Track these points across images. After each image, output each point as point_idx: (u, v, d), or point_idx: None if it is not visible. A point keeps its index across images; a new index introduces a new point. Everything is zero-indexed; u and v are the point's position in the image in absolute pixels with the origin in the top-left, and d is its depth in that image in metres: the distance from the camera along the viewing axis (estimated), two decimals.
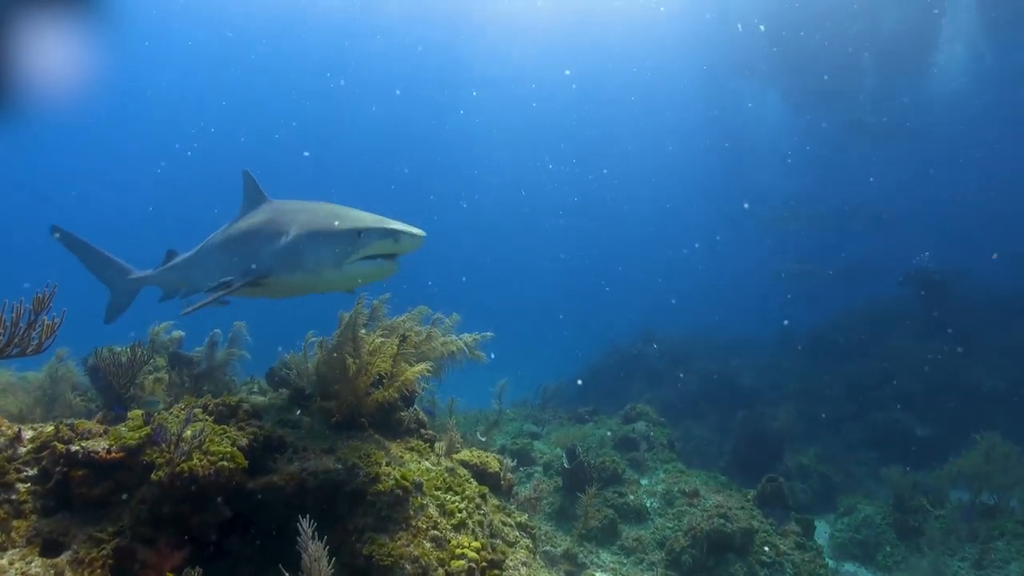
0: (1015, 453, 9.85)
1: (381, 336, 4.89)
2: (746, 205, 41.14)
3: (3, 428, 3.59)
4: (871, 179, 40.00)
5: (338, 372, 4.65)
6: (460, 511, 4.21)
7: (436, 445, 5.31)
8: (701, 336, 25.60)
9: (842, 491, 12.19)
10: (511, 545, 4.81)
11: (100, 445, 3.44)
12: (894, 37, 25.99)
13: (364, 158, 57.46)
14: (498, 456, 5.92)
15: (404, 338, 4.65)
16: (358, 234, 4.70)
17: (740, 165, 44.24)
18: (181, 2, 36.20)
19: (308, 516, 3.12)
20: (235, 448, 3.62)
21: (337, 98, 48.74)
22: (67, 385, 6.54)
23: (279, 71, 45.23)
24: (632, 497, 8.98)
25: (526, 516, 5.58)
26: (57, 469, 3.37)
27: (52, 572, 2.97)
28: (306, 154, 50.90)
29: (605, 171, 56.74)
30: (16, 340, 3.21)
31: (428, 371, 4.73)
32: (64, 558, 3.08)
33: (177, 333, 8.22)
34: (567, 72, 40.33)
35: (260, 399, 5.62)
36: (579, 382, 14.27)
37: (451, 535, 3.99)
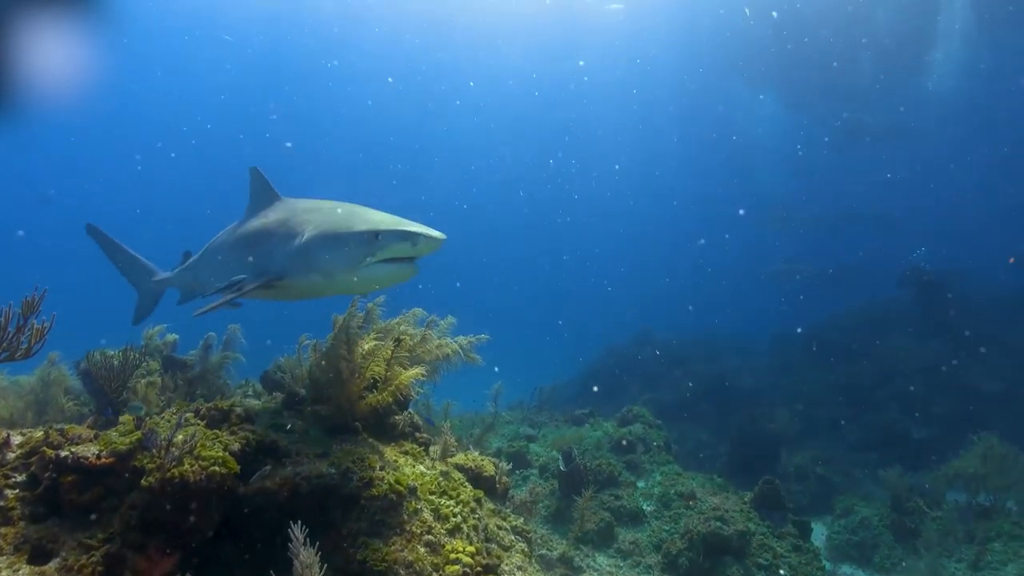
0: (1012, 454, 9.87)
1: (375, 339, 4.84)
2: (741, 211, 41.15)
3: None
4: (868, 179, 40.05)
5: (331, 376, 4.61)
6: (455, 515, 4.18)
7: (431, 449, 5.28)
8: (698, 338, 25.59)
9: (839, 492, 12.19)
10: (506, 549, 4.78)
11: (90, 450, 3.41)
12: (890, 35, 25.98)
13: (358, 155, 57.35)
14: (493, 459, 5.89)
15: (398, 341, 4.61)
16: (375, 236, 4.54)
17: (737, 166, 44.26)
18: (177, 4, 36.13)
19: (300, 522, 3.09)
20: (227, 453, 3.59)
21: (333, 95, 48.69)
22: (59, 389, 6.50)
23: (278, 70, 45.18)
24: (628, 500, 8.97)
25: (522, 520, 5.55)
26: (46, 475, 3.34)
27: None
28: (288, 144, 50.60)
29: (596, 174, 56.76)
30: (4, 345, 3.18)
31: (422, 375, 4.69)
32: (53, 565, 3.04)
33: (171, 336, 8.19)
34: (580, 62, 39.91)
35: (254, 403, 5.59)
36: (595, 388, 14.10)
37: (446, 540, 3.96)
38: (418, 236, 4.56)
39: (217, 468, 3.40)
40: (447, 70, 44.55)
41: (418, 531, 3.86)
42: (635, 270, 65.81)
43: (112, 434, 3.60)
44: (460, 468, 5.28)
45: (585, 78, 41.36)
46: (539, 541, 7.36)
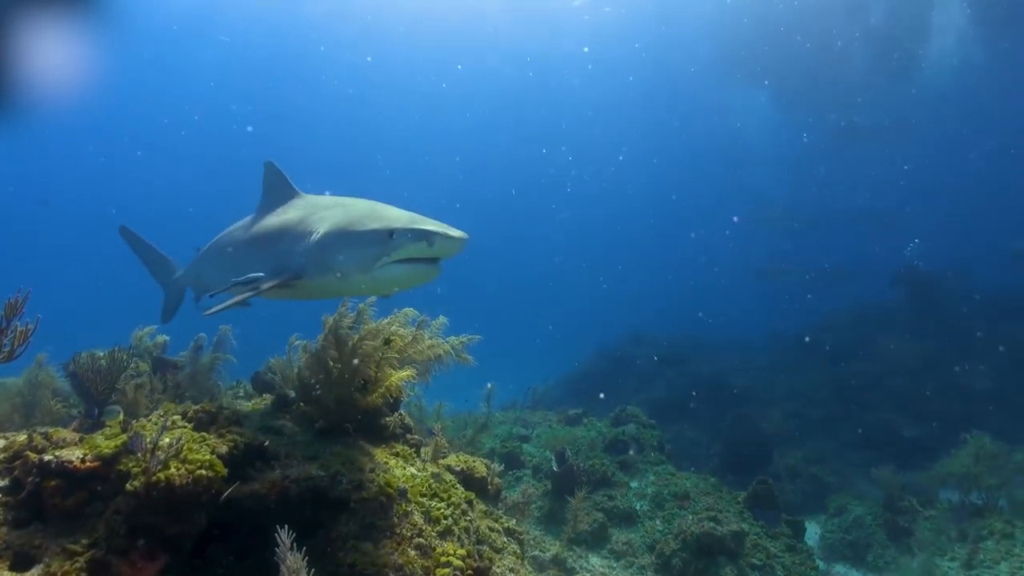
0: (1004, 453, 9.89)
1: (366, 339, 4.78)
2: (735, 219, 41.20)
3: None
4: (861, 178, 40.16)
5: (321, 377, 4.56)
6: (446, 518, 4.15)
7: (422, 450, 5.24)
8: (691, 338, 25.63)
9: (833, 492, 12.19)
10: (498, 551, 4.75)
11: (74, 454, 3.36)
12: (884, 31, 25.98)
13: (347, 151, 57.19)
14: (485, 461, 5.86)
15: (388, 341, 4.57)
16: (389, 235, 4.38)
17: (731, 164, 44.34)
18: (175, 6, 35.98)
19: (287, 526, 3.05)
20: (214, 456, 3.53)
21: (330, 88, 48.65)
22: (47, 391, 6.42)
23: (275, 68, 45.09)
24: (622, 500, 8.96)
25: (514, 521, 5.51)
26: (29, 479, 3.29)
27: None
28: (249, 128, 50.36)
29: (591, 168, 56.69)
30: None
31: (413, 376, 4.65)
32: (36, 571, 2.99)
33: (161, 337, 8.14)
34: (584, 48, 39.69)
35: (245, 404, 5.55)
36: (601, 395, 13.99)
37: (436, 542, 3.92)
38: (434, 235, 4.38)
39: (204, 472, 3.34)
40: (436, 67, 44.43)
41: (408, 534, 3.83)
42: (629, 270, 65.81)
43: (98, 438, 3.55)
44: (452, 470, 5.25)
45: (589, 66, 41.08)
46: (532, 542, 7.32)
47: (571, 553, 7.64)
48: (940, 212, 41.65)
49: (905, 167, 38.10)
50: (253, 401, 5.58)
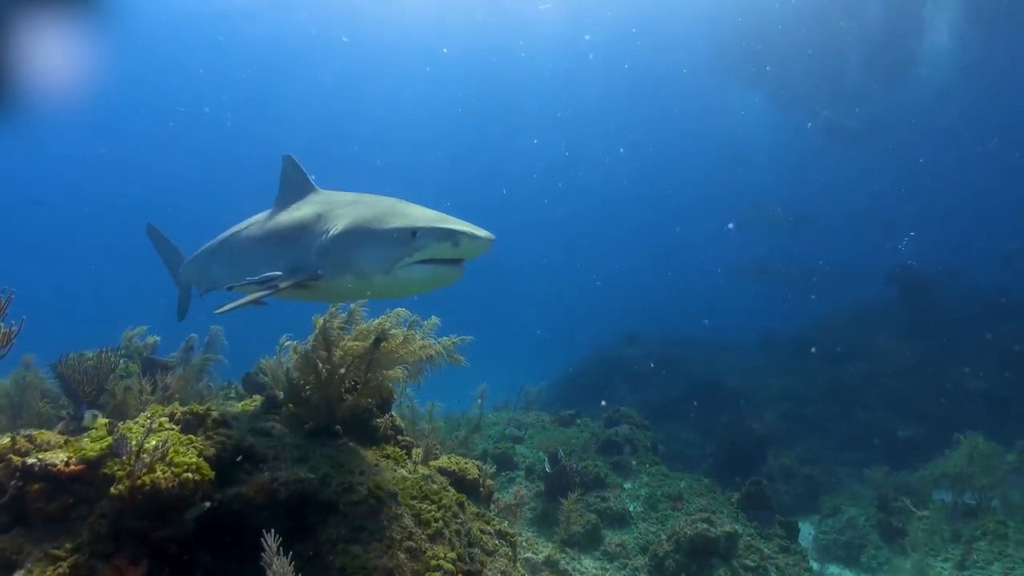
0: (997, 453, 9.90)
1: (356, 340, 4.73)
2: (731, 226, 41.21)
3: None
4: (856, 177, 40.22)
5: (311, 378, 4.52)
6: (436, 520, 4.10)
7: (413, 452, 5.20)
8: (685, 338, 25.64)
9: (826, 492, 12.20)
10: (490, 554, 4.70)
11: (59, 457, 3.31)
12: (878, 28, 25.95)
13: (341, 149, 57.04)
14: (477, 462, 5.82)
15: (378, 342, 4.52)
16: (411, 234, 4.16)
17: (726, 164, 44.39)
18: (172, 8, 35.85)
19: (273, 531, 3.00)
20: (201, 459, 3.49)
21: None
22: (35, 392, 6.37)
23: (274, 72, 45.05)
24: (615, 501, 8.92)
25: (506, 523, 5.47)
26: (12, 483, 3.24)
27: None
28: (228, 124, 50.00)
29: (584, 165, 56.61)
30: None
31: (402, 377, 4.60)
32: None
33: (152, 338, 8.09)
34: (586, 36, 39.40)
35: (235, 406, 5.49)
36: (603, 403, 13.89)
37: (427, 546, 3.88)
38: (461, 235, 4.16)
39: (190, 475, 3.30)
40: (427, 63, 44.17)
41: (398, 537, 3.78)
42: (624, 269, 65.85)
43: (83, 440, 3.50)
44: (443, 471, 5.21)
45: (590, 55, 40.94)
46: (524, 544, 7.28)
47: (564, 555, 7.60)
48: (934, 212, 41.76)
49: (899, 166, 38.19)
50: (243, 403, 5.53)
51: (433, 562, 3.75)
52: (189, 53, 41.70)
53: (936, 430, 13.94)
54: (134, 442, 3.26)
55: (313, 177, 5.67)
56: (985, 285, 24.64)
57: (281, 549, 2.92)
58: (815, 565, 8.99)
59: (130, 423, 3.87)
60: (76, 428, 4.43)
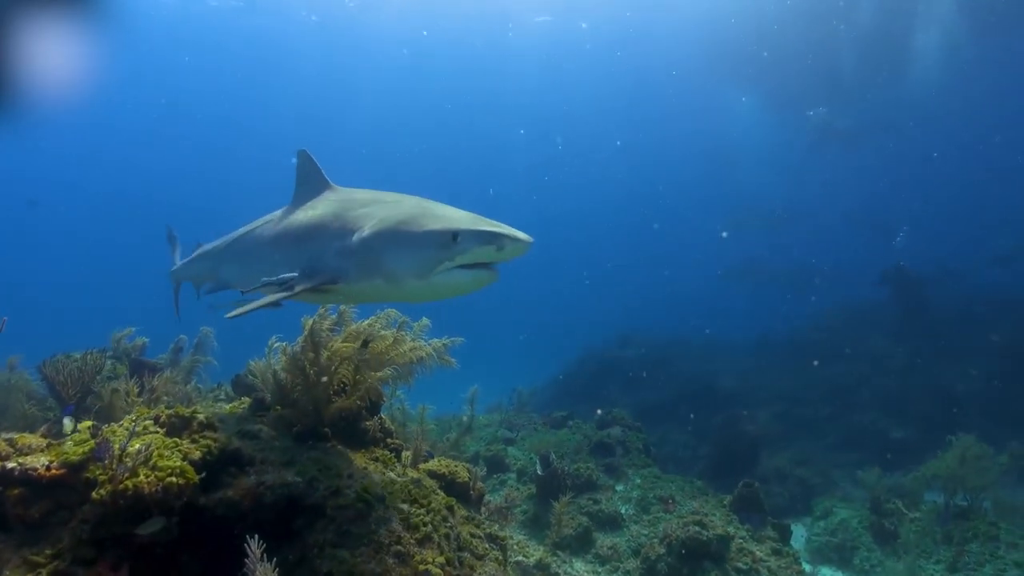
0: (988, 455, 9.91)
1: (345, 342, 4.67)
2: (724, 234, 41.26)
3: None
4: (849, 179, 40.30)
5: (299, 380, 4.46)
6: (425, 524, 4.06)
7: (403, 455, 5.16)
8: (679, 339, 25.64)
9: (819, 494, 12.19)
10: (480, 558, 4.66)
11: (39, 461, 3.25)
12: (871, 27, 25.92)
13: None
14: (468, 465, 5.78)
15: (366, 343, 4.47)
16: (453, 237, 3.92)
17: (718, 165, 44.43)
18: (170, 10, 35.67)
19: (260, 534, 2.96)
20: (186, 463, 3.44)
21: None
22: (21, 395, 6.30)
23: (273, 73, 44.89)
24: (607, 504, 8.89)
25: (497, 527, 5.44)
26: None
27: None
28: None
29: (577, 163, 56.51)
30: None
31: (389, 378, 4.55)
32: None
33: (140, 339, 8.02)
34: (583, 24, 39.12)
35: (223, 408, 5.44)
36: (598, 411, 13.77)
37: (415, 550, 3.83)
38: (505, 239, 3.96)
39: (174, 479, 3.25)
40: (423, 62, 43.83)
41: (387, 541, 3.74)
42: (616, 270, 65.85)
43: (67, 444, 3.45)
44: (433, 474, 5.17)
45: (588, 45, 40.68)
46: (515, 547, 7.24)
47: (555, 558, 7.56)
48: (927, 212, 41.85)
49: (893, 166, 38.30)
50: (231, 405, 5.47)
51: (422, 567, 3.71)
52: (175, 51, 41.46)
53: (928, 431, 13.98)
54: (117, 446, 3.21)
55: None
56: (978, 285, 24.75)
57: (265, 555, 2.88)
58: (807, 567, 8.98)
59: (114, 426, 3.82)
60: (60, 431, 4.37)
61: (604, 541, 8.21)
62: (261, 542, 2.90)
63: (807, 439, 15.79)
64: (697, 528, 7.63)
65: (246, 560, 2.86)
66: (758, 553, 7.83)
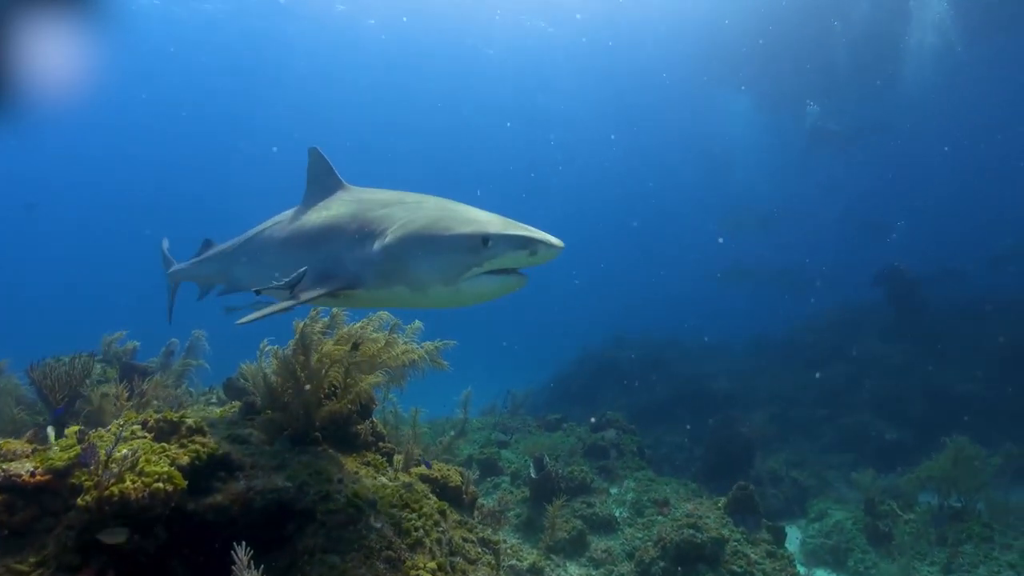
0: (982, 456, 9.92)
1: (336, 345, 4.62)
2: (721, 239, 41.31)
3: None
4: (844, 180, 40.36)
5: (289, 383, 4.42)
6: (416, 529, 4.03)
7: (395, 458, 5.12)
8: (673, 341, 25.65)
9: (813, 496, 12.19)
10: (472, 563, 4.63)
11: (24, 467, 3.21)
12: (866, 21, 25.94)
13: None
14: (460, 469, 5.75)
15: (356, 345, 4.43)
16: (484, 241, 3.71)
17: (712, 166, 44.47)
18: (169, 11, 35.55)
19: (249, 540, 2.92)
20: (174, 468, 3.39)
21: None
22: (10, 399, 6.24)
23: (272, 75, 44.73)
24: (601, 507, 8.87)
25: (489, 531, 5.41)
26: None
27: None
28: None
29: (561, 167, 56.40)
30: None
31: (381, 381, 4.51)
32: None
33: (131, 343, 7.96)
34: (574, 18, 38.88)
35: (214, 411, 5.40)
36: (592, 420, 13.65)
37: (406, 555, 3.80)
38: (538, 243, 3.75)
39: (161, 485, 3.20)
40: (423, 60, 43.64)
41: (377, 547, 3.70)
42: (611, 271, 65.86)
43: (53, 449, 3.41)
44: (425, 478, 5.13)
45: (583, 38, 40.59)
46: (509, 551, 7.21)
47: (549, 562, 7.53)
48: (922, 212, 41.95)
49: (888, 167, 38.38)
50: (222, 409, 5.43)
51: (413, 572, 3.68)
52: (172, 51, 41.33)
53: (923, 433, 13.99)
54: (103, 451, 3.17)
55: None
56: (973, 286, 24.83)
57: (252, 562, 2.84)
58: (802, 570, 8.96)
59: (101, 431, 3.78)
60: (46, 436, 4.32)
61: (598, 544, 8.18)
62: (248, 549, 2.86)
63: (802, 441, 15.79)
64: (692, 531, 7.61)
65: (233, 567, 2.82)
66: (753, 556, 7.80)
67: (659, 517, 8.78)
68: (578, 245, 66.52)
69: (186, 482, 3.39)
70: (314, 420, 4.38)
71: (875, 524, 9.97)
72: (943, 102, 31.20)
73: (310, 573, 3.45)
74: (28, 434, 3.62)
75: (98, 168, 57.85)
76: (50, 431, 3.37)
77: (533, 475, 8.79)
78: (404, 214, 4.14)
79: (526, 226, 3.88)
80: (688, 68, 33.99)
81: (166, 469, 3.31)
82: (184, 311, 8.07)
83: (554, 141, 54.41)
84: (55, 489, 3.20)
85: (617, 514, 8.92)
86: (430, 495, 4.61)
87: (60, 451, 3.34)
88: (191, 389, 7.83)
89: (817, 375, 18.40)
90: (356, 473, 4.30)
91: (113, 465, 3.08)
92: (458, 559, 4.45)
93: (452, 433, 9.25)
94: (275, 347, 4.80)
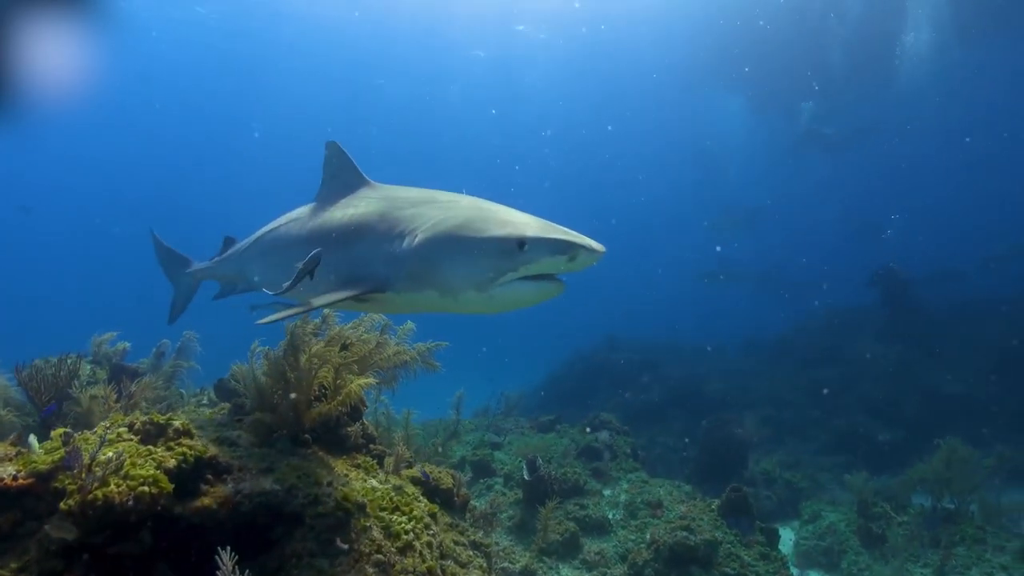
0: (975, 458, 9.92)
1: (326, 345, 4.56)
2: (719, 248, 41.37)
3: None
4: (838, 181, 40.44)
5: (279, 384, 4.38)
6: (407, 532, 3.99)
7: (386, 461, 5.08)
8: (666, 343, 25.69)
9: (807, 498, 12.17)
10: (463, 566, 4.60)
11: (6, 470, 3.16)
12: (861, 27, 25.99)
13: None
14: (452, 471, 5.72)
15: (346, 346, 4.39)
16: (519, 245, 3.51)
17: (707, 168, 44.50)
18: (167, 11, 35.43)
19: (235, 545, 2.88)
20: (160, 471, 3.35)
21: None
22: None
23: (271, 76, 44.65)
24: (594, 509, 8.83)
25: (480, 534, 5.37)
26: None
27: None
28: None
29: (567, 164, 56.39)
30: None
31: (372, 384, 4.47)
32: None
33: (122, 344, 7.89)
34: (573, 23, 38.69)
35: (204, 413, 5.36)
36: (587, 430, 13.54)
37: (396, 559, 3.77)
38: (578, 248, 3.56)
39: (147, 488, 3.16)
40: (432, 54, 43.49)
41: (367, 550, 3.67)
42: (604, 272, 65.78)
43: (38, 452, 3.36)
44: (416, 481, 5.09)
45: (583, 29, 40.60)
46: (501, 553, 7.18)
47: (541, 564, 7.50)
48: (917, 214, 42.05)
49: (884, 169, 38.46)
50: (212, 410, 5.38)
51: None
52: (167, 51, 41.20)
53: (916, 434, 14.01)
54: (87, 454, 3.12)
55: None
56: (967, 287, 24.90)
57: (238, 568, 2.79)
58: (795, 572, 8.96)
59: (87, 434, 3.73)
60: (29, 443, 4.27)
61: (591, 547, 8.15)
62: (234, 554, 2.81)
63: (795, 442, 15.81)
64: (685, 533, 7.59)
65: (217, 572, 2.78)
66: (746, 558, 7.78)
67: (652, 519, 8.75)
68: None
69: (172, 485, 3.35)
70: (304, 422, 4.33)
71: (868, 526, 9.97)
72: (937, 102, 31.27)
73: None
74: (12, 436, 3.56)
75: (93, 169, 57.73)
76: (33, 439, 3.32)
77: (526, 477, 8.74)
78: (436, 214, 3.97)
79: (565, 229, 3.71)
80: (681, 68, 33.99)
81: (151, 472, 3.27)
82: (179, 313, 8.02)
83: (548, 149, 54.45)
84: (39, 492, 3.15)
85: (610, 516, 8.89)
86: (421, 498, 4.57)
87: (44, 454, 3.30)
88: (182, 391, 7.77)
89: (809, 374, 18.42)
90: (346, 476, 4.26)
91: (97, 468, 3.04)
92: (449, 562, 4.42)
93: (444, 435, 9.23)
94: (266, 348, 4.76)
